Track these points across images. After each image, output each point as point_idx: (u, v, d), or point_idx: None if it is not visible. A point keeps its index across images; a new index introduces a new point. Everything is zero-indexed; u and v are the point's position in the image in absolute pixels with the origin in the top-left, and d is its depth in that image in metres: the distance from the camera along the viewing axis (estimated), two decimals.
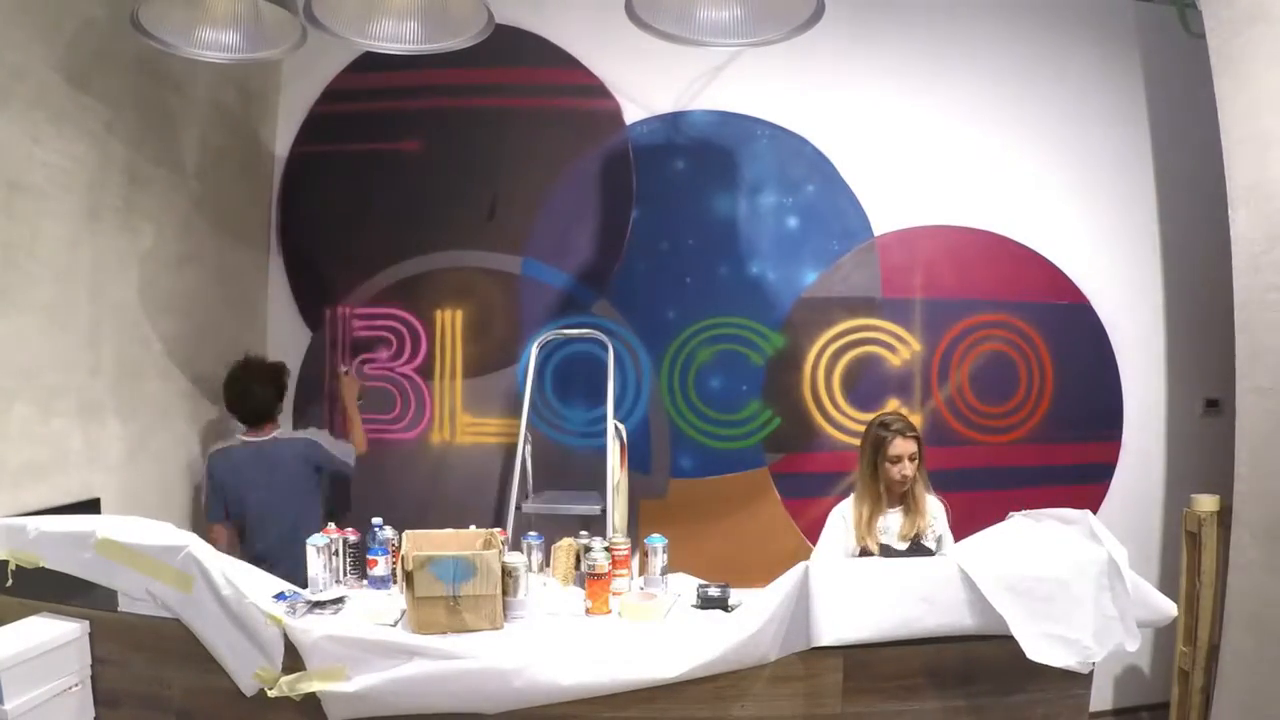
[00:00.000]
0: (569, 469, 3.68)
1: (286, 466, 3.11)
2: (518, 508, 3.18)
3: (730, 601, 2.36)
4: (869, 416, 3.70)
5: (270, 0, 2.29)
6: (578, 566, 2.49)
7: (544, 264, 3.77)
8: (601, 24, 3.60)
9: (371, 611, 2.24)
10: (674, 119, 3.77)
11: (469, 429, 3.81)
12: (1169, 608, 2.21)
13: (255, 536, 3.05)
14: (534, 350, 3.46)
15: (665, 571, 2.51)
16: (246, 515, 3.06)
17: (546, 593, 2.43)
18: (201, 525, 3.07)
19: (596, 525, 3.11)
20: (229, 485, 3.06)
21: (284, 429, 3.30)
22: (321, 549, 2.39)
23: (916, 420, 3.74)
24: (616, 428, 3.18)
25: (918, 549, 2.72)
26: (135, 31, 2.34)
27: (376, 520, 2.70)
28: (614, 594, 2.38)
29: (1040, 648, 2.04)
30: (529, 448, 3.40)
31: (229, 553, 2.46)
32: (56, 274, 2.64)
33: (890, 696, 2.10)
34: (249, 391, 3.16)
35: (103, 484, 2.81)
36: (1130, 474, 3.77)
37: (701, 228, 3.76)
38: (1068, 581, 2.11)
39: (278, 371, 3.28)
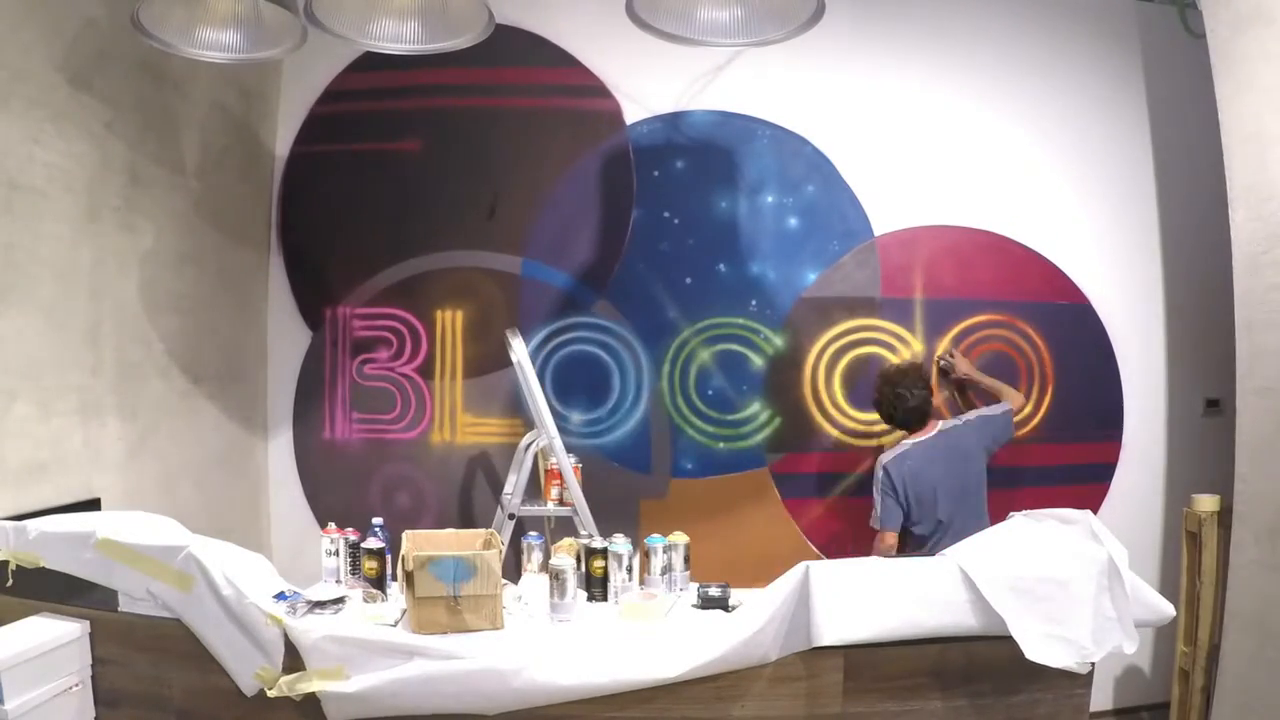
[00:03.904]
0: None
1: (962, 449, 3.28)
2: (512, 515, 3.17)
3: (730, 601, 2.36)
4: (870, 416, 3.74)
5: (270, 0, 2.29)
6: (579, 566, 2.49)
7: (544, 264, 3.77)
8: (601, 24, 3.61)
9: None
10: (674, 119, 3.77)
11: (469, 429, 3.81)
12: (1166, 608, 2.20)
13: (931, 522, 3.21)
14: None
15: (666, 572, 2.51)
16: (934, 511, 3.21)
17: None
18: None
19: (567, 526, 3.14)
20: (910, 489, 3.22)
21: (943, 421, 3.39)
22: None
23: None
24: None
25: None
26: (135, 31, 2.34)
27: (377, 520, 2.71)
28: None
29: (1039, 648, 2.04)
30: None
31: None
32: (56, 274, 2.64)
33: (891, 696, 2.10)
34: (901, 396, 3.29)
35: (103, 484, 2.81)
36: (1130, 474, 3.77)
37: (701, 228, 3.76)
38: (1067, 582, 2.10)
39: (923, 372, 3.41)
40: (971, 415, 3.41)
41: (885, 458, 3.30)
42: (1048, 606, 2.07)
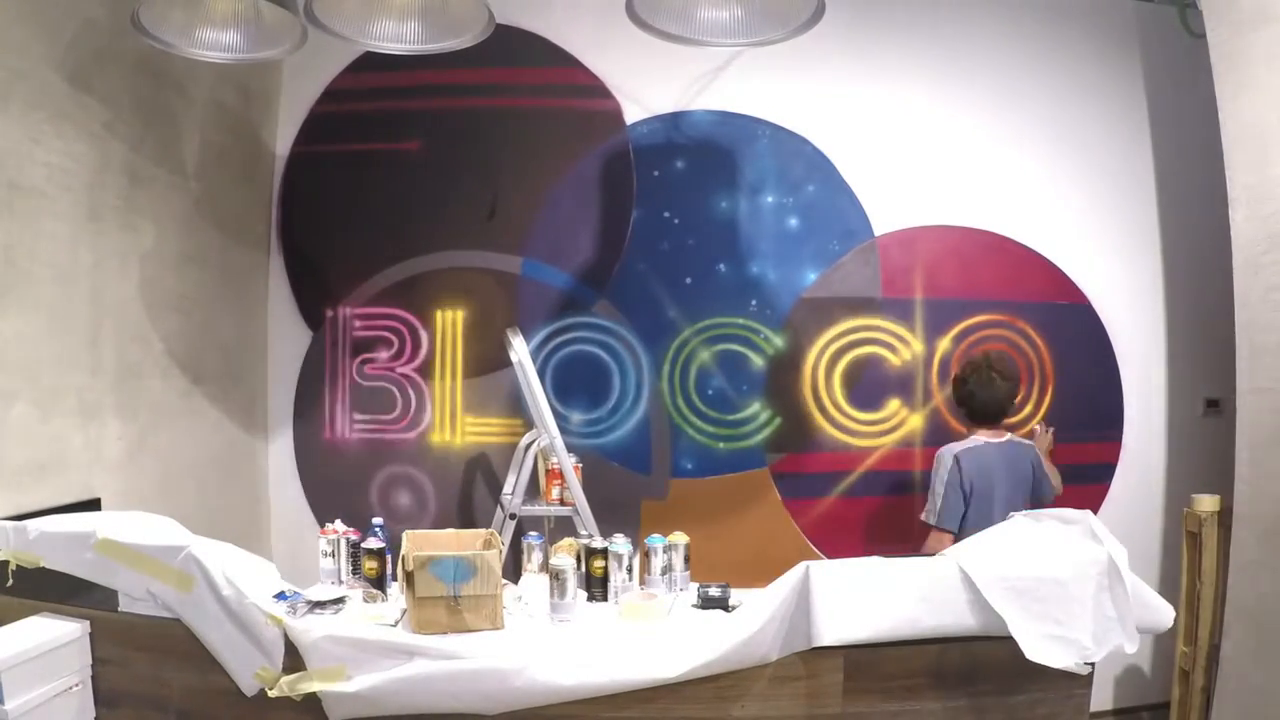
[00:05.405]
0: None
1: (1020, 468, 3.02)
2: (512, 515, 3.17)
3: (730, 601, 2.36)
4: (869, 416, 3.74)
5: (270, 0, 2.29)
6: (579, 566, 2.49)
7: (544, 264, 3.77)
8: (601, 24, 3.61)
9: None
10: (674, 119, 3.77)
11: (469, 429, 3.81)
12: (1167, 611, 2.20)
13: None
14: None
15: (666, 572, 2.51)
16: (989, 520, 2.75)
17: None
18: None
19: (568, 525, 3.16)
20: (976, 487, 2.94)
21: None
22: None
23: (917, 421, 3.75)
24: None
25: None
26: (135, 31, 2.33)
27: (377, 520, 2.70)
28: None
29: (1039, 648, 2.04)
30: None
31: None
32: (56, 274, 2.64)
33: (891, 697, 2.10)
34: (993, 384, 3.01)
35: (103, 484, 2.81)
36: (1130, 474, 3.77)
37: (702, 228, 3.76)
38: (1067, 582, 2.10)
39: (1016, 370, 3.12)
40: (1036, 452, 3.14)
41: (955, 448, 3.02)
42: (1048, 607, 2.07)
